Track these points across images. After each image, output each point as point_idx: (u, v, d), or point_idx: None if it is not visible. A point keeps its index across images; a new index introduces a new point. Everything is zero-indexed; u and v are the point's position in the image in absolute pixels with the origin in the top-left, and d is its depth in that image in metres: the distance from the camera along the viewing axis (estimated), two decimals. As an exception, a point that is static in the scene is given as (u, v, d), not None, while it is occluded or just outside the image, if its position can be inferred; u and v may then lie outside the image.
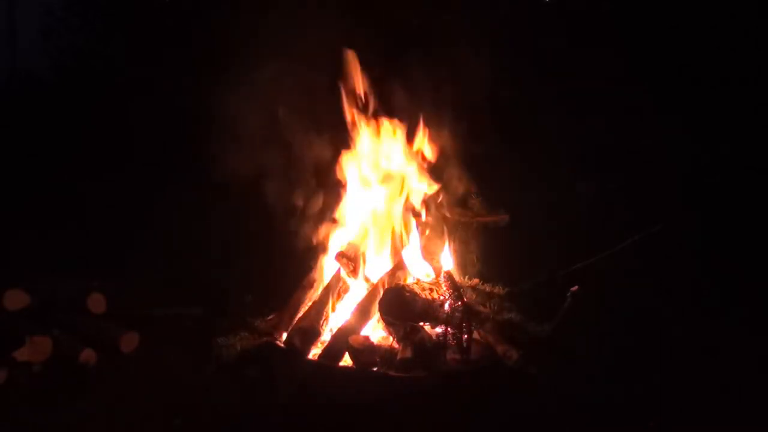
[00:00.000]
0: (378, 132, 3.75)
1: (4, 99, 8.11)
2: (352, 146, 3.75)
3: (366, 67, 3.74)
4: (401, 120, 3.73)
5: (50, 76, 8.09)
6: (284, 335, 3.28)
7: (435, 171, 3.78)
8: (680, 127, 5.38)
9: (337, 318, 3.42)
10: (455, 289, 3.22)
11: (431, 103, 3.76)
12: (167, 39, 6.63)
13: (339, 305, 3.51)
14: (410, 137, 3.75)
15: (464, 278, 3.64)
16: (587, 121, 5.58)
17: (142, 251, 4.98)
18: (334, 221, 3.71)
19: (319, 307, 3.36)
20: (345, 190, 3.78)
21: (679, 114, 5.39)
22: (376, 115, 3.75)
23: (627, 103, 5.43)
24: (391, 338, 3.19)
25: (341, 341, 3.09)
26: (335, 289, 3.51)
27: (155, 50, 6.74)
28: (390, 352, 3.04)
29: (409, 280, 3.45)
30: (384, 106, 3.76)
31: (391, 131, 3.74)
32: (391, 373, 2.89)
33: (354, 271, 3.56)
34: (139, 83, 6.52)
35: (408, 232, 3.63)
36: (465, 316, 3.08)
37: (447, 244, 3.72)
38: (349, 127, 3.75)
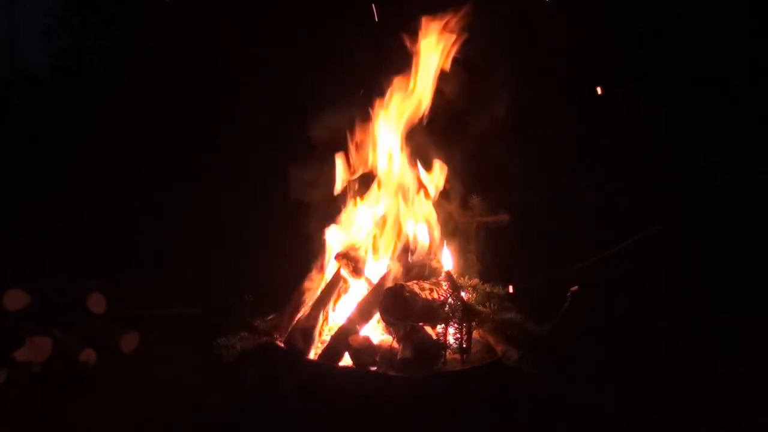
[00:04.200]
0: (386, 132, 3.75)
1: (4, 99, 8.11)
2: (358, 149, 3.75)
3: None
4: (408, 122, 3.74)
5: (50, 76, 8.09)
6: (284, 335, 3.27)
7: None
8: (681, 128, 5.38)
9: (337, 318, 3.42)
10: (455, 289, 3.22)
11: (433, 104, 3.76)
12: (166, 39, 6.63)
13: (339, 305, 3.50)
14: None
15: (464, 278, 3.63)
16: (587, 121, 5.58)
17: (142, 251, 4.99)
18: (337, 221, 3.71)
19: (319, 307, 3.36)
20: (349, 192, 3.78)
21: (679, 115, 5.39)
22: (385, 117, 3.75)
23: (628, 103, 5.43)
24: (391, 338, 3.19)
25: (341, 341, 3.08)
26: (335, 289, 3.51)
27: (155, 50, 6.75)
28: (390, 352, 3.03)
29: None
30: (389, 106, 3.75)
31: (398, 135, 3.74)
32: (391, 373, 2.89)
33: (354, 271, 3.55)
34: (139, 83, 6.53)
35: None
36: (465, 316, 3.08)
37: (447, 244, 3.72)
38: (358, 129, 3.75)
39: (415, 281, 3.37)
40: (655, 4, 5.72)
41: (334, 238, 3.71)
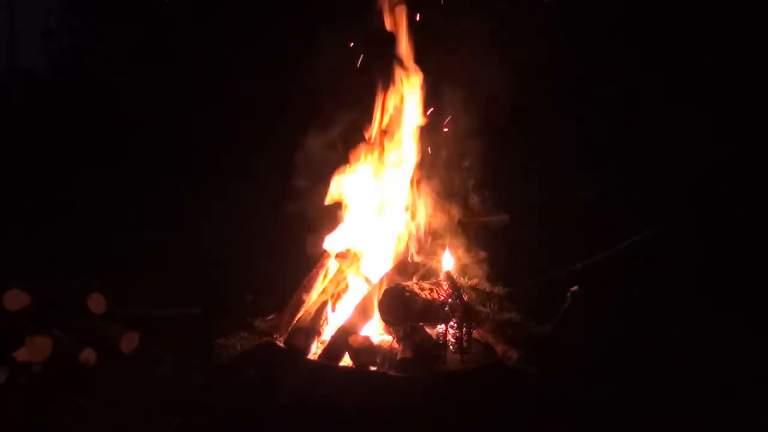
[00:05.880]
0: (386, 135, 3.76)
1: (4, 99, 8.11)
2: (359, 150, 3.76)
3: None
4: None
5: (50, 76, 8.09)
6: (284, 335, 3.27)
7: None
8: (681, 127, 5.38)
9: (337, 318, 3.42)
10: (455, 289, 3.22)
11: (435, 104, 3.76)
12: (166, 39, 6.63)
13: (339, 305, 3.50)
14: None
15: (464, 278, 3.63)
16: (588, 120, 5.58)
17: (142, 251, 4.98)
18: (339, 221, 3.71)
19: (319, 307, 3.36)
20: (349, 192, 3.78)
21: (680, 114, 5.39)
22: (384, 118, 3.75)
23: (628, 102, 5.43)
24: (391, 338, 3.19)
25: (341, 341, 3.08)
26: (335, 289, 3.51)
27: (154, 50, 6.75)
28: (390, 352, 3.03)
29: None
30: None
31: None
32: (391, 373, 2.89)
33: (354, 271, 3.55)
34: (139, 83, 6.52)
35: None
36: (465, 316, 3.08)
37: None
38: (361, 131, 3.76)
39: (415, 281, 3.37)
40: (655, 2, 5.72)
41: (335, 238, 3.71)
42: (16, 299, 3.33)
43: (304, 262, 3.73)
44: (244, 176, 5.74)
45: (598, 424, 2.75)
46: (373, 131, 3.77)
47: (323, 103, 3.85)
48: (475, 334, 3.29)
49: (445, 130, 3.80)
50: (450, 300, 3.15)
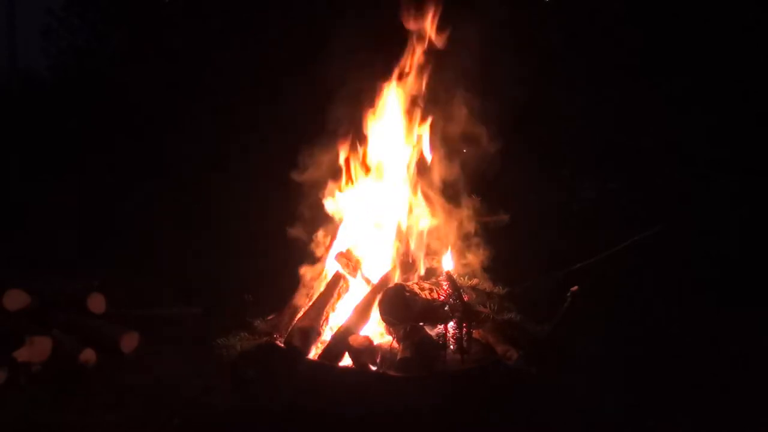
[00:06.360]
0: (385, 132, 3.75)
1: (4, 99, 8.11)
2: (357, 147, 3.75)
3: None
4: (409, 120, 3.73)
5: (50, 76, 8.10)
6: (284, 335, 3.27)
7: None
8: (681, 128, 5.38)
9: (337, 318, 3.42)
10: (455, 289, 3.22)
11: (435, 103, 3.76)
12: (165, 39, 6.63)
13: (339, 305, 3.50)
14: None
15: (464, 278, 3.63)
16: (588, 121, 5.58)
17: (141, 251, 4.99)
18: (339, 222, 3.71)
19: (319, 307, 3.35)
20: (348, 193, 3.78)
21: (680, 115, 5.39)
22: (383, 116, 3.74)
23: (629, 103, 5.43)
24: (391, 338, 3.19)
25: (341, 341, 3.08)
26: (335, 289, 3.50)
27: (153, 50, 6.75)
28: (390, 352, 3.03)
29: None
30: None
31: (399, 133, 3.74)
32: (391, 373, 2.89)
33: (354, 271, 3.55)
34: (138, 83, 6.53)
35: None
36: (465, 316, 3.08)
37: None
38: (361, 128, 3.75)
39: (415, 281, 3.37)
40: (654, 5, 5.72)
41: (335, 238, 3.71)
42: (16, 299, 3.34)
43: (304, 262, 3.73)
44: (244, 175, 5.75)
45: (598, 424, 2.75)
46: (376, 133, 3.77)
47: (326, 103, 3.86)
48: (475, 334, 3.29)
49: (464, 151, 3.79)
50: (450, 300, 3.15)
